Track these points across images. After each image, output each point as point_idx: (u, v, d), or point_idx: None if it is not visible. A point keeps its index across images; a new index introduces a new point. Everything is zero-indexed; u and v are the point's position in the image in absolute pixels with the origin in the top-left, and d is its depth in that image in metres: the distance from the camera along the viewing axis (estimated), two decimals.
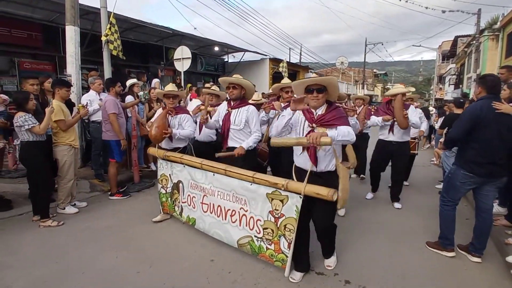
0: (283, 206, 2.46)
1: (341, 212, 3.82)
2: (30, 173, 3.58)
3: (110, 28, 5.64)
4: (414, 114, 4.09)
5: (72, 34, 5.17)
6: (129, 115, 5.12)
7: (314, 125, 2.37)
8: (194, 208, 3.31)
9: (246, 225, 2.77)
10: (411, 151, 4.94)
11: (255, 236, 2.70)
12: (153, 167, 5.73)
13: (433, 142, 9.82)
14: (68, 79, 5.11)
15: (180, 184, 3.44)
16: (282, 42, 44.50)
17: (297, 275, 2.56)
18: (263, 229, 2.63)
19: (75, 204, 4.08)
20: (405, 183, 5.32)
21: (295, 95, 2.57)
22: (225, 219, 2.96)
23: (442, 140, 5.28)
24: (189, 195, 3.34)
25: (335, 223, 2.64)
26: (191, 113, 3.88)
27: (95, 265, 2.76)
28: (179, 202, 3.50)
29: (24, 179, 4.14)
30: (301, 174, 2.43)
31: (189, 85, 8.31)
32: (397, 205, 4.35)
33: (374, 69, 47.63)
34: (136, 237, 3.31)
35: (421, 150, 9.36)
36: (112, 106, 4.28)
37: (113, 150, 4.40)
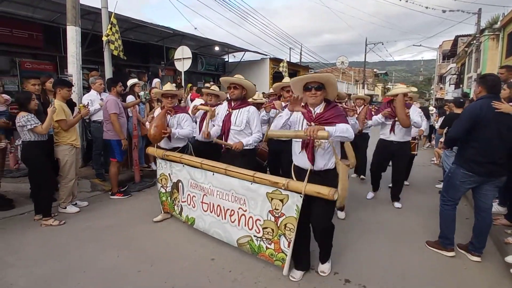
0: (283, 205, 2.47)
1: (341, 215, 3.80)
2: (31, 172, 3.59)
3: (111, 28, 5.66)
4: (416, 113, 4.09)
5: (73, 34, 5.19)
6: (130, 115, 5.14)
7: (312, 123, 2.36)
8: (194, 207, 3.31)
9: (245, 225, 2.77)
10: (411, 152, 4.94)
11: (254, 236, 2.71)
12: (153, 167, 5.74)
13: (433, 142, 9.83)
14: (69, 79, 5.13)
15: (180, 184, 3.45)
16: (282, 42, 44.46)
17: (297, 274, 2.57)
18: (263, 228, 2.63)
19: (76, 203, 4.10)
20: (405, 182, 5.32)
21: (294, 95, 2.57)
22: (225, 218, 2.97)
23: (442, 139, 5.29)
24: (189, 194, 3.35)
25: (333, 223, 2.63)
26: (190, 113, 3.89)
27: (96, 264, 2.77)
28: (178, 202, 3.52)
29: (26, 178, 4.15)
30: (300, 173, 2.44)
31: (189, 85, 8.33)
32: (397, 204, 4.35)
33: (375, 68, 47.62)
34: (137, 237, 3.32)
35: (421, 150, 9.36)
36: (113, 106, 4.29)
37: (114, 149, 4.41)
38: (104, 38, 5.70)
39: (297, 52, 24.02)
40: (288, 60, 15.51)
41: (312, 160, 2.36)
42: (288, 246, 2.47)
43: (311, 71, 19.70)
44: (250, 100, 3.63)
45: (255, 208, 2.67)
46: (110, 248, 3.06)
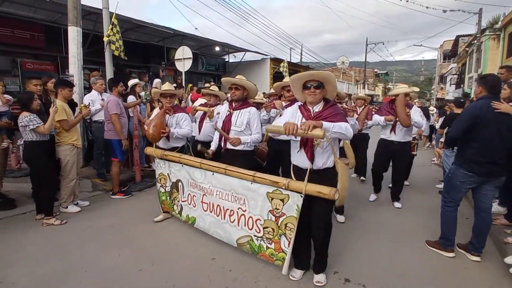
0: (283, 205, 2.47)
1: (340, 218, 3.76)
2: (33, 172, 3.61)
3: (112, 29, 5.68)
4: (417, 113, 4.09)
5: (74, 35, 5.21)
6: (131, 115, 5.16)
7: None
8: (194, 207, 3.32)
9: (245, 225, 2.78)
10: (411, 152, 4.94)
11: (254, 236, 2.72)
12: (154, 167, 5.75)
13: (433, 142, 9.83)
14: (70, 79, 5.15)
15: (180, 183, 3.45)
16: (282, 42, 44.50)
17: (297, 273, 2.58)
18: (263, 228, 2.64)
19: (77, 203, 4.12)
20: (406, 182, 5.32)
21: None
22: (224, 218, 2.98)
23: (442, 139, 5.30)
24: (189, 194, 3.36)
25: (331, 223, 2.62)
26: (190, 113, 3.90)
27: (97, 264, 2.79)
28: (178, 201, 3.52)
29: (27, 178, 4.18)
30: (299, 172, 2.44)
31: (190, 85, 8.35)
32: (397, 204, 4.36)
33: (375, 68, 47.59)
34: (137, 236, 3.34)
35: (421, 150, 9.37)
36: (114, 106, 4.31)
37: (115, 149, 4.44)
38: (105, 39, 5.72)
39: (298, 52, 24.07)
40: (289, 60, 15.51)
41: (311, 158, 2.37)
42: (289, 246, 2.47)
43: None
44: (250, 100, 3.63)
45: (255, 208, 2.68)
46: (111, 248, 3.08)
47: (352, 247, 3.15)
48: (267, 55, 14.41)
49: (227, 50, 13.49)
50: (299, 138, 2.38)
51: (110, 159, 4.64)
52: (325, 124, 2.13)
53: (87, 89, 6.23)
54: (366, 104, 5.49)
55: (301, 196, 2.34)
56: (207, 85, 6.35)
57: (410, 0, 15.05)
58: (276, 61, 14.35)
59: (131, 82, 5.57)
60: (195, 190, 3.28)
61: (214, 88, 4.46)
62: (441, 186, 4.93)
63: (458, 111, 4.75)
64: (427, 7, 15.91)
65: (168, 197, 3.65)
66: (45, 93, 4.45)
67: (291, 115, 2.52)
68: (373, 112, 5.04)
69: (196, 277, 2.61)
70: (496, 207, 3.70)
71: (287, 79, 4.13)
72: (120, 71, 8.14)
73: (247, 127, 3.19)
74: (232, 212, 2.89)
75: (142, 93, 5.42)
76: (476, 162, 2.76)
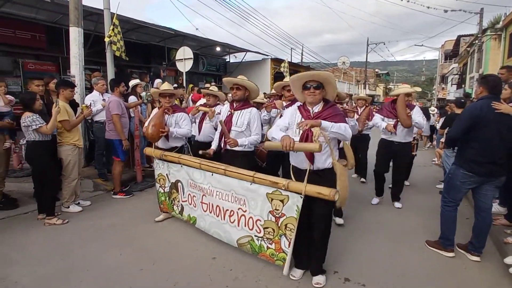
0: (283, 206, 2.48)
1: (339, 221, 3.70)
2: (35, 172, 3.64)
3: (113, 29, 5.70)
4: (418, 114, 4.08)
5: (75, 35, 5.23)
6: (132, 115, 5.18)
7: None
8: (195, 207, 3.33)
9: (245, 225, 2.79)
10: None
11: (255, 236, 2.73)
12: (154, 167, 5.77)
13: (434, 142, 9.82)
14: (71, 79, 5.17)
15: (179, 184, 3.46)
16: (283, 42, 44.50)
17: (298, 273, 2.59)
18: (264, 228, 2.65)
19: (79, 203, 4.14)
20: (406, 182, 5.33)
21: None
22: (224, 219, 2.98)
23: (443, 140, 5.30)
24: (189, 194, 3.37)
25: (331, 224, 2.62)
26: (190, 113, 3.91)
27: (99, 263, 2.81)
28: (178, 202, 3.53)
29: (29, 178, 4.21)
30: (298, 173, 2.45)
31: (190, 85, 8.36)
32: (397, 204, 4.37)
33: (376, 69, 47.50)
34: (139, 236, 3.36)
35: (422, 150, 9.37)
36: (115, 107, 4.34)
37: (117, 149, 4.46)
38: (106, 39, 5.74)
39: (298, 52, 24.06)
40: (289, 61, 15.52)
41: (311, 159, 2.37)
42: (289, 246, 2.48)
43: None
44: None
45: (255, 209, 2.69)
46: (112, 247, 3.09)
47: (352, 247, 3.16)
48: (267, 55, 14.43)
49: (228, 51, 13.52)
50: (298, 139, 2.39)
51: (111, 159, 4.66)
52: (324, 123, 2.14)
53: (89, 89, 6.26)
54: (367, 105, 5.49)
55: (301, 197, 2.34)
56: (207, 85, 6.36)
57: (411, 0, 15.04)
58: (277, 61, 14.37)
59: (132, 83, 5.59)
60: (194, 190, 3.28)
61: (213, 88, 4.46)
62: (441, 186, 4.93)
63: (458, 111, 4.75)
64: (428, 7, 15.89)
65: (167, 198, 3.66)
66: (47, 93, 4.47)
67: (291, 116, 2.52)
68: (374, 113, 5.05)
69: (197, 276, 2.63)
70: (496, 207, 3.70)
71: (287, 79, 4.13)
72: (121, 72, 8.16)
73: (248, 127, 3.19)
74: (232, 212, 2.90)
75: (143, 94, 5.44)
76: (476, 162, 2.77)
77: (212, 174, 3.03)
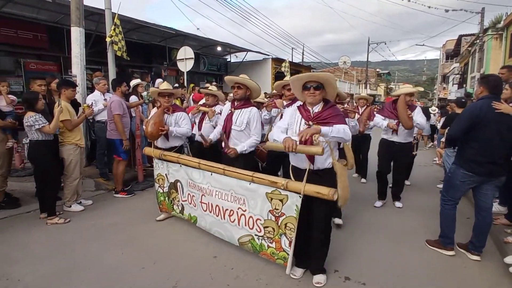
0: (283, 205, 2.49)
1: (338, 221, 3.65)
2: (38, 171, 3.66)
3: (114, 29, 5.72)
4: (420, 115, 4.06)
5: (77, 35, 5.25)
6: (133, 115, 5.20)
7: (310, 122, 2.37)
8: (194, 206, 3.34)
9: (246, 225, 2.80)
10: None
11: (255, 235, 2.74)
12: None
13: (435, 142, 9.82)
14: (73, 79, 5.19)
15: (178, 184, 3.47)
16: (284, 42, 44.47)
17: (298, 271, 2.61)
18: (264, 227, 2.66)
19: (80, 202, 4.16)
20: (407, 182, 5.33)
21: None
22: (224, 218, 2.99)
23: (444, 139, 5.30)
24: (189, 193, 3.38)
25: (331, 224, 2.64)
26: (190, 113, 3.91)
27: (100, 262, 2.83)
28: (178, 201, 3.54)
29: (31, 177, 4.23)
30: (297, 173, 2.46)
31: (192, 85, 8.38)
32: (398, 204, 4.37)
33: (377, 68, 47.47)
34: (140, 235, 3.37)
35: (423, 150, 9.37)
36: (117, 107, 4.36)
37: (118, 148, 4.48)
38: (108, 39, 5.76)
39: (299, 52, 24.05)
40: (290, 60, 15.51)
41: (311, 159, 2.37)
42: (289, 245, 2.49)
43: (313, 71, 19.70)
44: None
45: (255, 208, 2.70)
46: (114, 246, 3.11)
47: (353, 246, 3.17)
48: (268, 55, 14.42)
49: (229, 50, 13.53)
50: (298, 138, 2.39)
51: (112, 159, 4.68)
52: (324, 129, 2.14)
53: (90, 89, 6.29)
54: (368, 104, 5.49)
55: (299, 196, 2.35)
56: (207, 85, 6.38)
57: None
58: (278, 61, 14.36)
59: (133, 82, 5.61)
60: (194, 190, 3.29)
61: (212, 88, 4.46)
62: (442, 186, 4.92)
63: (459, 111, 4.74)
64: (429, 7, 15.83)
65: (166, 198, 3.67)
66: (48, 93, 4.50)
67: (291, 116, 2.53)
68: (374, 112, 5.04)
69: (198, 275, 2.64)
70: (496, 207, 3.71)
71: (288, 77, 4.12)
72: (122, 71, 8.17)
73: (247, 126, 3.18)
74: (232, 212, 2.91)
75: (144, 93, 5.46)
76: (476, 162, 2.77)
77: (211, 174, 3.04)
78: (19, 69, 7.68)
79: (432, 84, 46.65)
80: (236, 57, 14.66)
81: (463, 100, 5.20)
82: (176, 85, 8.05)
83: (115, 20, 5.75)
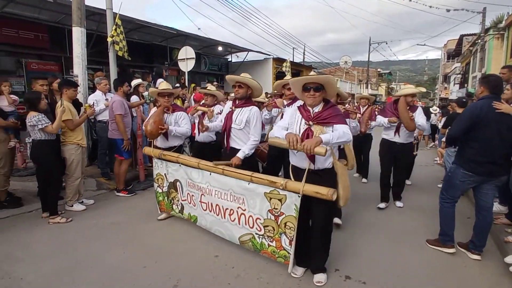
0: (282, 205, 2.49)
1: (337, 221, 3.62)
2: (40, 171, 3.68)
3: (115, 29, 5.73)
4: (421, 116, 4.06)
5: (78, 35, 5.27)
6: (135, 114, 5.22)
7: (310, 122, 2.38)
8: (194, 206, 3.36)
9: (246, 224, 2.81)
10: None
11: (256, 234, 2.75)
12: None
13: (436, 142, 9.81)
14: (74, 79, 5.21)
15: (178, 183, 3.48)
16: (285, 42, 44.37)
17: (299, 270, 2.62)
18: (264, 226, 2.67)
19: (82, 201, 4.18)
20: (407, 182, 5.34)
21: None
22: (224, 217, 3.00)
23: (444, 139, 5.30)
24: (188, 193, 3.39)
25: (331, 224, 2.64)
26: (189, 114, 3.92)
27: (102, 261, 2.84)
28: (178, 201, 3.55)
29: (33, 177, 4.25)
30: (297, 172, 2.46)
31: (193, 85, 8.40)
32: (398, 203, 4.38)
33: (378, 68, 47.42)
34: (141, 234, 3.39)
35: (424, 150, 9.37)
36: (119, 106, 4.38)
37: (120, 148, 4.50)
38: (109, 39, 5.77)
39: (300, 52, 24.07)
40: (291, 60, 15.51)
41: (311, 158, 2.37)
42: (290, 244, 2.50)
43: (314, 71, 19.68)
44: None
45: (254, 207, 2.71)
46: (115, 245, 3.13)
47: (353, 245, 3.18)
48: (269, 55, 14.43)
49: (230, 50, 13.54)
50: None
51: (113, 158, 4.70)
52: (325, 138, 2.13)
53: (91, 89, 6.30)
54: (369, 104, 5.48)
55: (298, 196, 2.35)
56: (207, 85, 6.39)
57: None
58: (279, 61, 14.37)
59: (134, 82, 5.63)
60: (193, 190, 3.30)
61: (211, 87, 4.46)
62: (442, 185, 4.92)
63: (460, 110, 4.75)
64: (431, 6, 15.80)
65: (165, 197, 3.68)
66: (50, 93, 4.51)
67: (291, 116, 2.54)
68: (376, 112, 5.04)
69: (199, 273, 2.66)
70: (497, 206, 3.71)
71: (288, 76, 4.11)
72: (123, 71, 8.20)
73: (247, 125, 3.16)
74: (231, 211, 2.92)
75: (145, 93, 5.47)
76: (476, 162, 2.78)
77: (210, 174, 3.04)
78: (21, 69, 7.71)
79: (434, 84, 46.55)
80: (237, 57, 14.68)
81: (464, 100, 5.20)
82: (177, 85, 8.06)
83: (116, 20, 5.76)
